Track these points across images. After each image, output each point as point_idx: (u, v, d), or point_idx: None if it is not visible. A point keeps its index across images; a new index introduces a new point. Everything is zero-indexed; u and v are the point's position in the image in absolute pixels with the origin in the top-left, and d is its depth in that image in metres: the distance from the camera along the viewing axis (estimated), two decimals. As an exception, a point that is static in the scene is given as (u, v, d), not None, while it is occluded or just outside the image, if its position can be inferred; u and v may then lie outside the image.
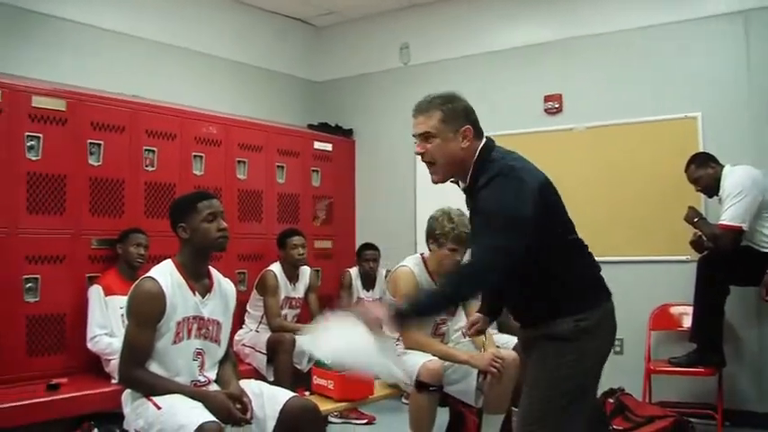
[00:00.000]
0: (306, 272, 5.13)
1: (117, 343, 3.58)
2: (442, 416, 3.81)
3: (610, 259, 4.21)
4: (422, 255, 3.86)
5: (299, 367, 4.68)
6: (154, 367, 2.72)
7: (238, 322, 4.82)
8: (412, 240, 5.86)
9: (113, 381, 3.79)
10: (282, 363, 4.57)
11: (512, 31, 5.73)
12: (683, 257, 4.74)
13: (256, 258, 5.25)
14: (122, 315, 3.74)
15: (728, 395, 4.56)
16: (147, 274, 2.78)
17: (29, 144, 4.03)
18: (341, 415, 4.70)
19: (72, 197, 4.21)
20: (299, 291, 5.07)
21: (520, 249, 2.17)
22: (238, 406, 2.70)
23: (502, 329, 4.13)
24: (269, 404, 2.80)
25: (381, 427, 4.73)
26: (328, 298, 5.60)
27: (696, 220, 4.44)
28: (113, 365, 3.74)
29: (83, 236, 4.27)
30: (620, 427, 4.21)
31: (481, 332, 3.21)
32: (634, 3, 5.20)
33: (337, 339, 2.27)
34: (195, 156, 4.95)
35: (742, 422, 4.55)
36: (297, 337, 4.63)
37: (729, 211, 4.20)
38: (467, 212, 2.59)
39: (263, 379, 4.14)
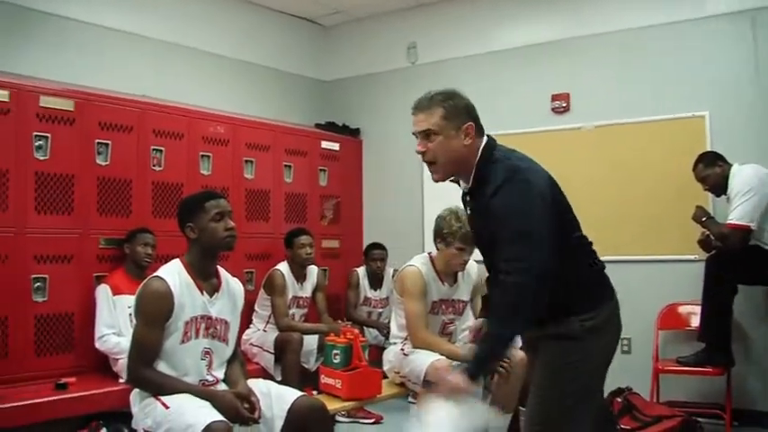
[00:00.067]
0: (313, 271, 5.13)
1: (125, 342, 3.59)
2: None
3: (618, 258, 4.23)
4: (429, 254, 3.86)
5: (306, 366, 4.70)
6: (162, 367, 2.73)
7: (246, 322, 4.82)
8: (419, 240, 5.86)
9: (121, 380, 3.80)
10: (290, 362, 4.58)
11: (520, 31, 5.71)
12: (692, 257, 4.72)
13: (264, 258, 5.25)
14: (130, 314, 3.77)
15: (737, 395, 4.53)
16: (155, 274, 2.79)
17: (37, 144, 4.03)
18: (348, 414, 4.71)
19: (80, 197, 4.22)
20: (306, 290, 5.07)
21: (548, 257, 2.15)
22: (246, 405, 2.70)
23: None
24: (277, 403, 2.81)
25: (389, 426, 4.73)
26: (336, 297, 5.61)
27: (704, 219, 4.42)
28: (121, 365, 3.74)
29: (91, 235, 4.28)
30: (628, 427, 4.19)
31: None
32: (642, 2, 5.17)
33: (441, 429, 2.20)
34: (203, 155, 4.96)
35: (750, 422, 4.53)
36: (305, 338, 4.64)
37: (737, 211, 4.18)
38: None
39: (271, 378, 4.14)
